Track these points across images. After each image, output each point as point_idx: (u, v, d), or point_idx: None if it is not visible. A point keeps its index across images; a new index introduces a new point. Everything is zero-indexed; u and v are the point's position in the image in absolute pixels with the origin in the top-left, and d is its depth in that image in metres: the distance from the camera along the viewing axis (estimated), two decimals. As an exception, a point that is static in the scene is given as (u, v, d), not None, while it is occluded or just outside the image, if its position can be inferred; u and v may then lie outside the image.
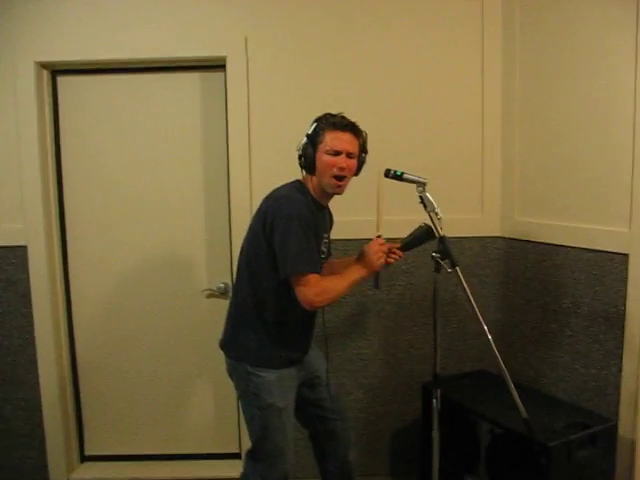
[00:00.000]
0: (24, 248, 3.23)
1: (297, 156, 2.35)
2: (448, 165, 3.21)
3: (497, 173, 3.22)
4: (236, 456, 3.51)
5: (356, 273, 2.33)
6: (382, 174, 2.35)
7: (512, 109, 3.12)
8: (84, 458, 3.60)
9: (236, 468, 3.15)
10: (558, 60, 2.83)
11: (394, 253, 2.45)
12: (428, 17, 3.14)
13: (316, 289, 2.20)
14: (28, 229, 3.22)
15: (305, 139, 2.32)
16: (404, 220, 2.49)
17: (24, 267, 3.24)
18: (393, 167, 2.35)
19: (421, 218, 2.35)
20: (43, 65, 3.18)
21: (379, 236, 2.41)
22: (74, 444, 3.51)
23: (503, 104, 3.18)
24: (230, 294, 2.51)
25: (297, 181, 2.39)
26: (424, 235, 2.39)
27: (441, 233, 2.23)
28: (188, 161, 3.34)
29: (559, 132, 2.85)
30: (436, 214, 2.22)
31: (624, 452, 2.60)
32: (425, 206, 2.24)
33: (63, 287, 3.40)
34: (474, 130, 3.21)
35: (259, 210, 2.33)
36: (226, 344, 2.47)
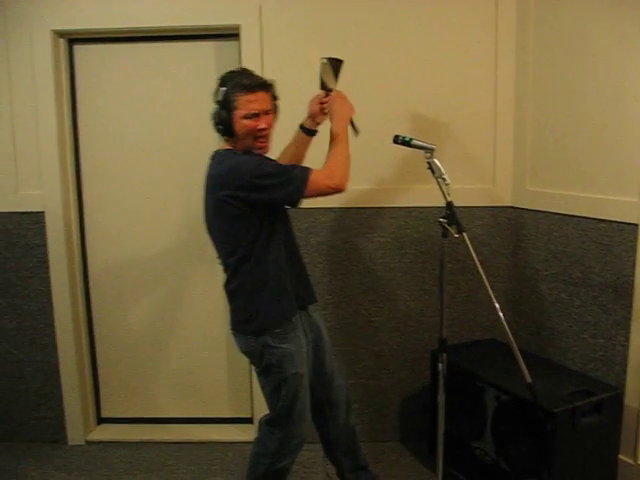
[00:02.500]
0: (42, 214, 3.29)
1: (213, 124, 2.32)
2: (460, 135, 3.21)
3: (509, 143, 3.21)
4: (248, 421, 3.58)
5: (340, 130, 2.35)
6: (324, 62, 2.39)
7: (525, 80, 3.10)
8: (100, 420, 3.69)
9: (248, 432, 3.24)
10: (572, 29, 2.81)
11: (324, 102, 2.48)
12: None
13: (325, 176, 2.24)
14: (46, 195, 3.27)
15: (216, 106, 2.28)
16: (411, 189, 2.54)
17: (42, 233, 3.30)
18: (403, 134, 2.38)
19: (427, 186, 2.37)
20: (59, 34, 3.20)
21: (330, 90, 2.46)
22: (91, 406, 3.59)
23: (516, 74, 3.15)
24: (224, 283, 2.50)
25: (226, 150, 2.35)
26: (327, 67, 2.42)
27: (448, 199, 2.25)
28: (203, 129, 3.31)
29: (571, 103, 2.84)
30: (444, 180, 2.24)
31: (630, 421, 2.63)
32: (433, 172, 2.26)
33: (80, 252, 3.46)
34: (486, 100, 3.19)
35: (215, 191, 2.26)
36: (239, 324, 2.42)
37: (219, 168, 2.28)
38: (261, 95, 2.27)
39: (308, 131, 2.57)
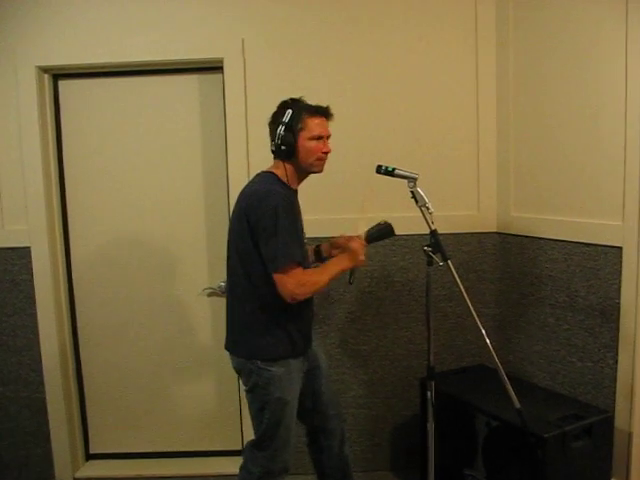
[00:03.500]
0: (28, 249, 3.27)
1: (274, 145, 2.35)
2: (444, 163, 3.24)
3: (492, 170, 3.25)
4: (239, 453, 3.52)
5: (338, 267, 2.38)
6: (371, 190, 2.43)
7: (506, 106, 3.14)
8: (89, 456, 3.63)
9: (238, 465, 3.19)
10: (551, 56, 2.86)
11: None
12: (422, 15, 3.18)
13: (298, 281, 2.22)
14: (31, 230, 3.26)
15: (282, 127, 2.32)
16: (396, 217, 2.56)
17: (28, 268, 3.28)
18: (388, 164, 2.39)
19: (412, 214, 2.39)
20: (44, 69, 3.22)
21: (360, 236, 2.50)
22: (79, 442, 3.54)
23: (497, 101, 3.20)
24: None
25: (268, 173, 2.41)
26: (387, 232, 2.51)
27: (432, 227, 2.26)
28: (188, 162, 3.38)
29: (552, 128, 2.88)
30: (427, 208, 2.25)
31: (621, 443, 2.62)
32: (416, 201, 2.27)
33: (66, 287, 3.44)
34: (469, 128, 3.24)
35: (239, 208, 2.34)
36: (234, 345, 2.46)
37: (255, 187, 2.35)
38: (325, 121, 2.38)
39: (320, 257, 2.68)
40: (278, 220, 2.20)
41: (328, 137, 2.40)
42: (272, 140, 2.37)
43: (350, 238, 2.51)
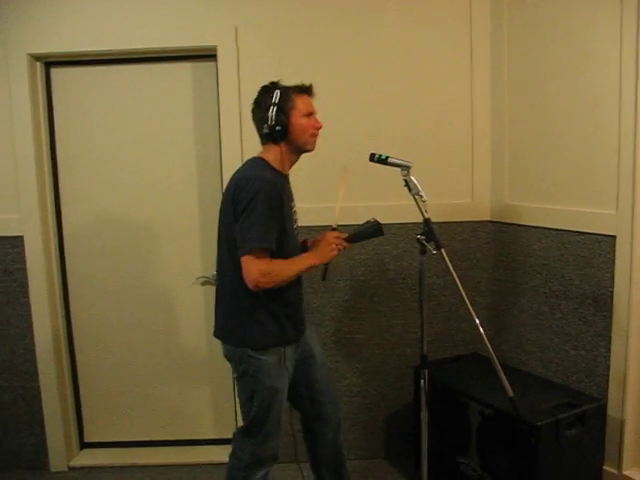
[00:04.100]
0: (21, 238, 3.26)
1: (268, 128, 2.31)
2: (438, 151, 3.23)
3: (486, 158, 3.24)
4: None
5: (307, 261, 2.35)
6: (346, 169, 2.44)
7: (501, 94, 3.14)
8: (83, 445, 3.64)
9: (231, 453, 3.20)
10: (546, 46, 2.85)
11: (340, 243, 2.49)
12: (417, 3, 3.16)
13: (264, 268, 2.19)
14: (24, 219, 3.24)
15: (273, 108, 2.29)
16: (390, 206, 2.54)
17: (21, 257, 3.27)
18: (381, 152, 2.38)
19: (406, 202, 2.38)
20: (36, 57, 3.20)
21: (335, 228, 2.47)
22: (73, 431, 3.55)
23: (492, 89, 3.19)
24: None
25: (258, 159, 2.39)
26: (374, 232, 2.46)
27: (426, 216, 2.25)
28: (182, 149, 3.36)
29: (547, 117, 2.88)
30: (420, 197, 2.24)
31: (613, 431, 2.65)
32: (410, 189, 2.26)
33: (60, 276, 3.43)
34: (463, 116, 3.23)
35: (227, 194, 2.32)
36: (224, 333, 2.45)
37: (244, 172, 2.32)
38: (310, 98, 2.40)
39: (304, 248, 2.60)
40: (257, 204, 2.17)
41: (315, 113, 2.42)
42: (263, 124, 2.33)
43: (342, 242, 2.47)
